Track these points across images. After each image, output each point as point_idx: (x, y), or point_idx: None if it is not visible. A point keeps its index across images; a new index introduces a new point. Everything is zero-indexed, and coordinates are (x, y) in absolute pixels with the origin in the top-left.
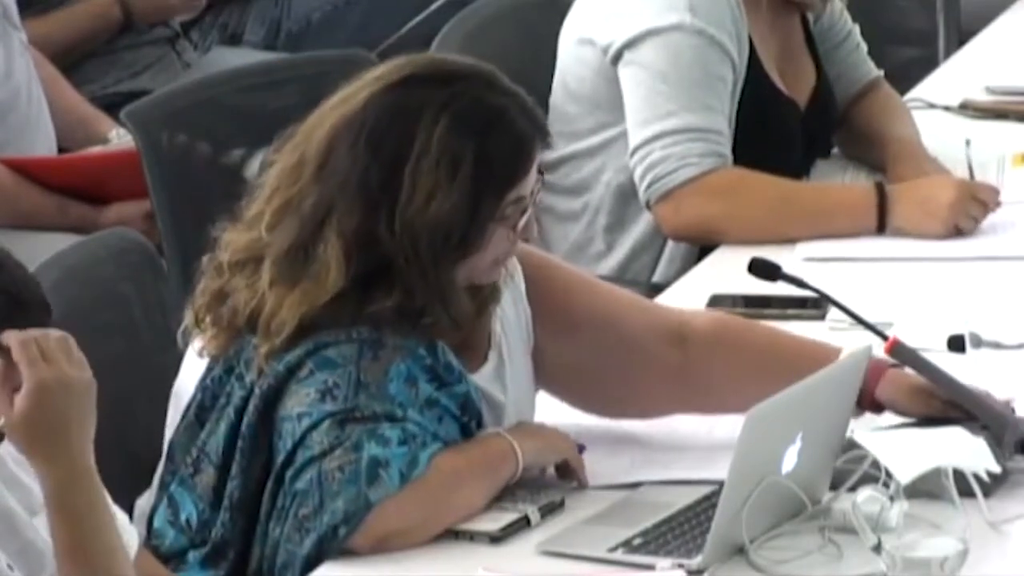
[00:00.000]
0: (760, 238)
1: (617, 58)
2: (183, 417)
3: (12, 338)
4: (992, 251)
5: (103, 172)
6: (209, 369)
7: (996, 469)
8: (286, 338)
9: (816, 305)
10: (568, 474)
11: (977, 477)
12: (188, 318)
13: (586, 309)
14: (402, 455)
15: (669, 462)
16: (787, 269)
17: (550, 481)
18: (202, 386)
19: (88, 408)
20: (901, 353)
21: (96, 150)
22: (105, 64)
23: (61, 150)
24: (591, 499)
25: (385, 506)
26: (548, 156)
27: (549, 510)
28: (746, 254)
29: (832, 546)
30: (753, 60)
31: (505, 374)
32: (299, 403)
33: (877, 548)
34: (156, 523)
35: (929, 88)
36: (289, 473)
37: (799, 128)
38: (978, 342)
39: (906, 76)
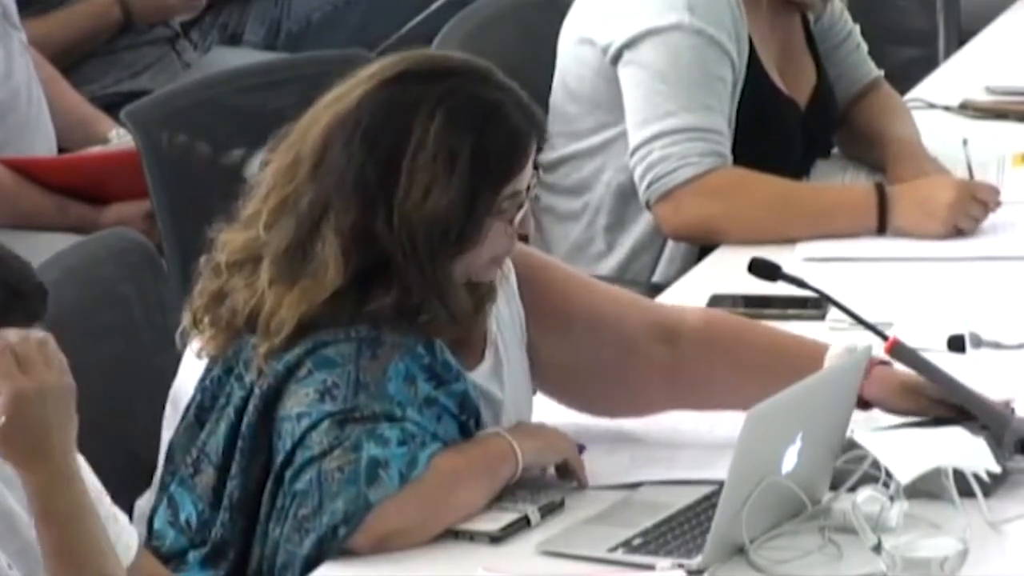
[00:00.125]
0: (760, 238)
1: (617, 58)
2: (183, 418)
3: None
4: (992, 251)
5: (103, 172)
6: (208, 370)
7: (996, 469)
8: (285, 337)
9: (816, 305)
10: (568, 474)
11: (977, 477)
12: (186, 319)
13: (578, 307)
14: (401, 455)
15: (669, 462)
16: (787, 269)
17: (550, 481)
18: (201, 387)
19: (68, 412)
20: (901, 353)
21: (96, 150)
22: (105, 64)
23: (61, 150)
24: (591, 499)
25: (385, 506)
26: (548, 156)
27: (549, 510)
28: (746, 254)
29: (832, 546)
30: (753, 60)
31: (502, 371)
32: (298, 403)
33: (877, 548)
34: (156, 524)
35: (929, 88)
36: (288, 473)
37: (799, 128)
38: (978, 342)
39: (906, 76)
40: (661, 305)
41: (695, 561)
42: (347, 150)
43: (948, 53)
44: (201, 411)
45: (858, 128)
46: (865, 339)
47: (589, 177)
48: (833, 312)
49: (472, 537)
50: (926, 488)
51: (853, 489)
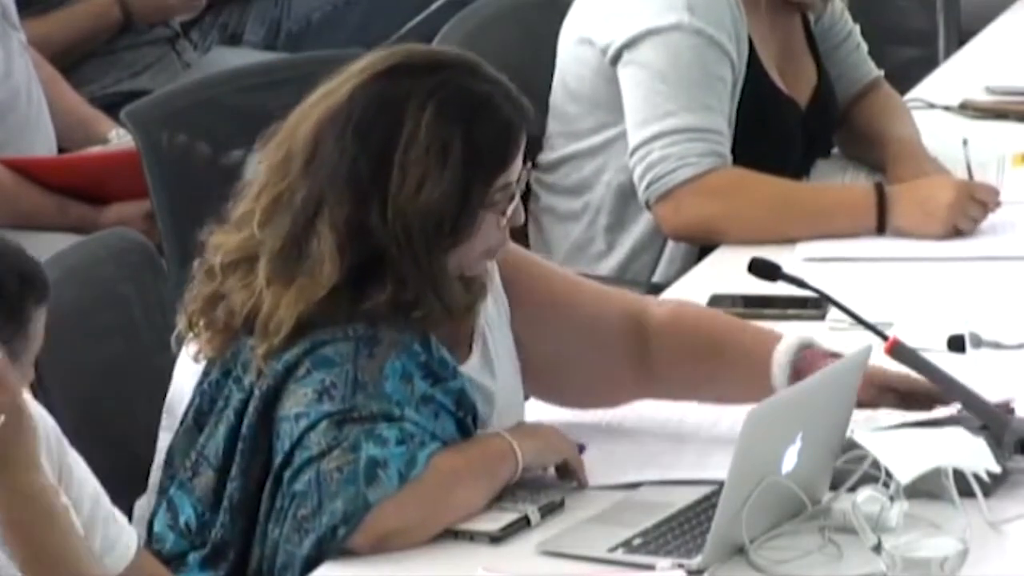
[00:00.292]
0: (760, 238)
1: (616, 58)
2: (181, 422)
3: None
4: (992, 251)
5: (103, 172)
6: (205, 374)
7: (996, 469)
8: (284, 337)
9: (816, 305)
10: (568, 474)
11: (977, 477)
12: (181, 323)
13: (556, 300)
14: (400, 455)
15: (669, 462)
16: (787, 269)
17: (550, 481)
18: (199, 390)
19: (19, 428)
20: (901, 353)
21: (96, 150)
22: (105, 64)
23: (61, 150)
24: (591, 499)
25: (384, 506)
26: (548, 156)
27: (549, 510)
28: (746, 254)
29: (832, 546)
30: (753, 59)
31: (492, 361)
32: (297, 403)
33: (877, 548)
34: (156, 527)
35: (929, 88)
36: (287, 474)
37: (799, 127)
38: (978, 342)
39: (906, 76)
40: (634, 297)
41: (695, 561)
42: (339, 145)
43: (948, 53)
44: (199, 415)
45: (858, 128)
46: (865, 339)
47: (589, 177)
48: (833, 312)
49: (472, 537)
50: (926, 488)
51: (853, 489)
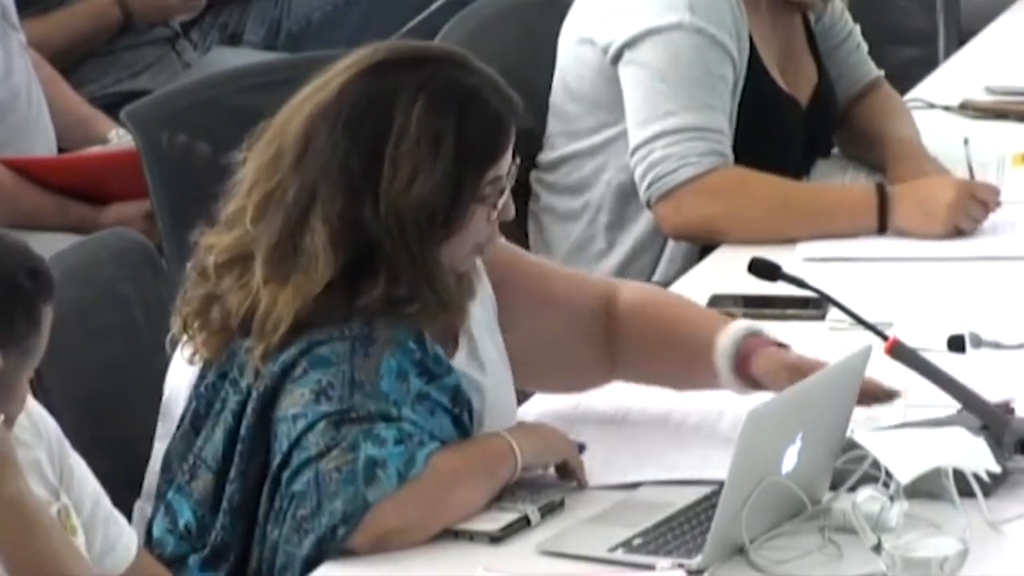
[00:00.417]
0: (760, 238)
1: (617, 58)
2: (178, 426)
3: None
4: (992, 251)
5: (103, 172)
6: (202, 377)
7: (996, 469)
8: (280, 337)
9: (816, 305)
10: (568, 474)
11: (977, 477)
12: (175, 326)
13: (532, 286)
14: (399, 455)
15: (669, 462)
16: (787, 269)
17: (550, 481)
18: (196, 394)
19: None
20: (901, 353)
21: (96, 150)
22: (105, 64)
23: (61, 150)
24: (591, 499)
25: (383, 505)
26: (548, 155)
27: (549, 510)
28: (746, 254)
29: (832, 546)
30: (754, 59)
31: (479, 354)
32: (294, 403)
33: (877, 548)
34: (156, 532)
35: (929, 88)
36: (286, 475)
37: (800, 127)
38: (978, 342)
39: (906, 76)
40: (605, 282)
41: (695, 561)
42: (330, 140)
43: (948, 53)
44: (197, 418)
45: (858, 128)
46: (865, 339)
47: (590, 176)
48: (833, 312)
49: (472, 537)
50: (926, 488)
51: (853, 489)
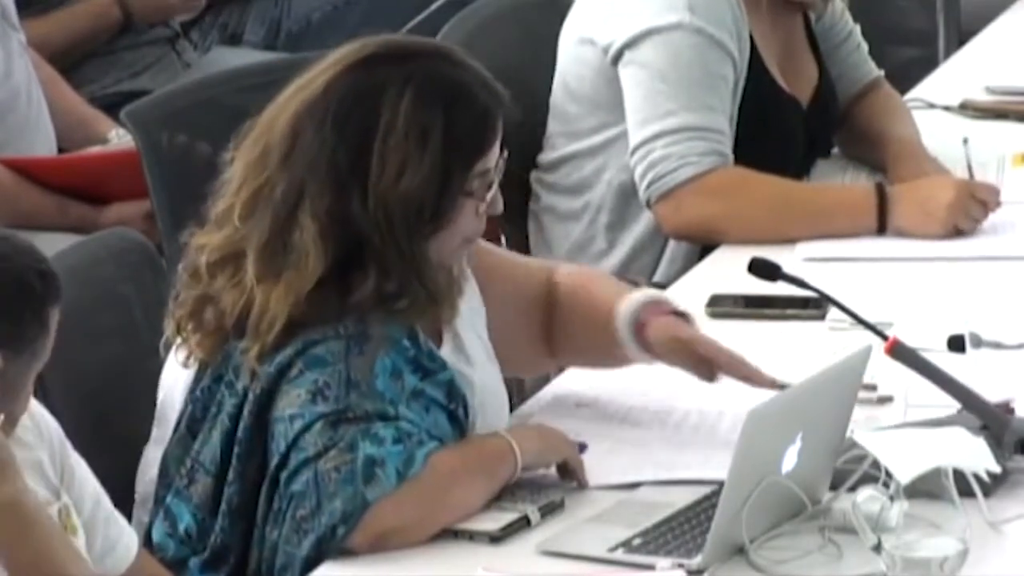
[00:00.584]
0: (760, 238)
1: (617, 58)
2: (175, 430)
3: None
4: (992, 251)
5: (103, 172)
6: (197, 380)
7: (996, 469)
8: (276, 336)
9: (816, 305)
10: (568, 474)
11: (977, 477)
12: (168, 328)
13: (491, 273)
14: (398, 453)
15: (669, 462)
16: (787, 269)
17: (550, 481)
18: (192, 398)
19: None
20: (901, 353)
21: (96, 150)
22: (105, 64)
23: (61, 150)
24: (591, 499)
25: (382, 504)
26: (548, 156)
27: (549, 510)
28: (746, 254)
29: (832, 546)
30: (754, 58)
31: (464, 347)
32: (291, 404)
33: (877, 548)
34: (155, 537)
35: (929, 88)
36: (284, 475)
37: (801, 127)
38: (978, 342)
39: (906, 76)
40: (547, 267)
41: (695, 561)
42: (318, 136)
43: (948, 53)
44: (193, 422)
45: (858, 128)
46: (865, 339)
47: (590, 176)
48: (833, 312)
49: (472, 537)
50: (926, 488)
51: (853, 489)
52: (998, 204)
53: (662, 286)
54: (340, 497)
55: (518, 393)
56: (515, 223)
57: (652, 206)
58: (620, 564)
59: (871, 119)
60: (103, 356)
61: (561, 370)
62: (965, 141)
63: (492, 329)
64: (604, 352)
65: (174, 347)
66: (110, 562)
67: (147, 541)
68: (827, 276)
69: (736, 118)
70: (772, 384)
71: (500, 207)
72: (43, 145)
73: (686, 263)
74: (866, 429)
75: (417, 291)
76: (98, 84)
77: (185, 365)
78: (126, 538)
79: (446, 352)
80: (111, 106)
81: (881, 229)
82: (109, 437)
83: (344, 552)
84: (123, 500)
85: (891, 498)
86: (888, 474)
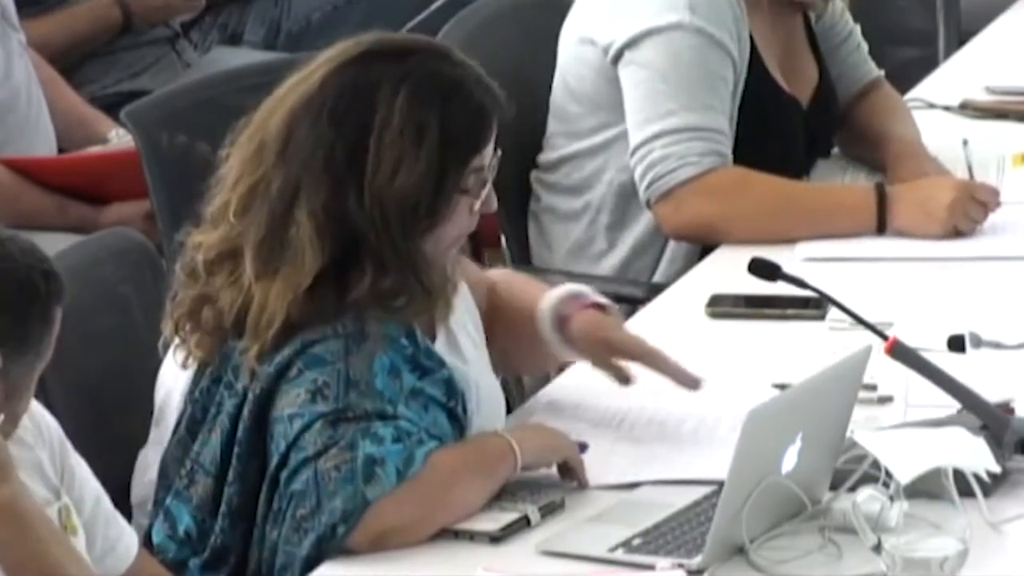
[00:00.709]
0: (760, 238)
1: (617, 58)
2: (174, 432)
3: None
4: (992, 251)
5: (103, 172)
6: (196, 382)
7: (996, 469)
8: (275, 335)
9: (816, 305)
10: (569, 474)
11: (977, 477)
12: (167, 329)
13: None
14: (398, 452)
15: (669, 462)
16: (787, 269)
17: (550, 481)
18: (191, 399)
19: None
20: (901, 353)
21: (96, 150)
22: (105, 65)
23: (61, 150)
24: (591, 499)
25: (382, 503)
26: (549, 156)
27: (549, 510)
28: (746, 254)
29: (832, 546)
30: (754, 58)
31: (458, 342)
32: (290, 404)
33: (877, 548)
34: (156, 539)
35: (929, 88)
36: (284, 475)
37: (801, 126)
38: (978, 342)
39: (906, 76)
40: (486, 276)
41: (695, 561)
42: (314, 132)
43: (948, 53)
44: (193, 423)
45: (858, 128)
46: (865, 339)
47: (590, 176)
48: (833, 312)
49: (472, 537)
50: (926, 488)
51: (853, 489)
52: (998, 204)
53: (662, 286)
54: (340, 496)
55: (518, 393)
56: (515, 223)
57: (652, 206)
58: (620, 564)
59: (871, 119)
60: (103, 356)
61: (561, 370)
62: (965, 143)
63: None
64: (532, 351)
65: (172, 347)
66: (110, 562)
67: (147, 543)
68: (827, 276)
69: (736, 118)
70: (693, 381)
71: (494, 205)
72: (43, 145)
73: (686, 263)
74: (866, 429)
75: (414, 288)
76: (98, 84)
77: (184, 366)
78: (126, 538)
79: (440, 349)
80: (111, 106)
81: (881, 229)
82: (109, 437)
83: (344, 552)
84: (123, 500)
85: (891, 498)
86: (888, 474)
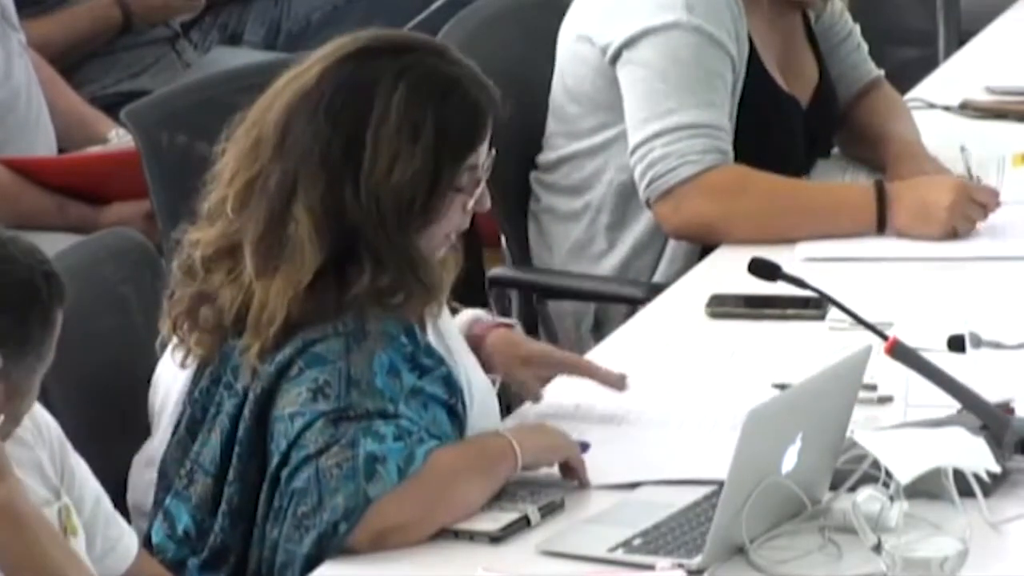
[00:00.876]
0: (760, 237)
1: (616, 58)
2: (173, 433)
3: None
4: (992, 251)
5: (103, 172)
6: (195, 382)
7: (996, 469)
8: (276, 332)
9: (816, 305)
10: (570, 473)
11: (977, 477)
12: (165, 328)
13: None
14: (399, 451)
15: (669, 462)
16: (787, 269)
17: (550, 481)
18: (191, 400)
19: None
20: (901, 353)
21: (96, 150)
22: (105, 65)
23: (61, 150)
24: (591, 499)
25: (383, 502)
26: (548, 156)
27: (549, 510)
28: (746, 254)
29: (832, 546)
30: (753, 58)
31: (448, 341)
32: (291, 403)
33: (877, 548)
34: (155, 539)
35: (929, 88)
36: (285, 473)
37: (801, 126)
38: (978, 342)
39: (906, 76)
40: None
41: (695, 561)
42: (311, 126)
43: (948, 53)
44: (192, 424)
45: (858, 128)
46: (865, 339)
47: (590, 177)
48: (833, 312)
49: (472, 537)
50: (926, 488)
51: (853, 489)
52: (998, 205)
53: (662, 286)
54: (342, 493)
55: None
56: (515, 224)
57: (652, 205)
58: (620, 564)
59: (871, 119)
60: (103, 356)
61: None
62: (963, 149)
63: None
64: None
65: (170, 347)
66: (110, 562)
67: (147, 543)
68: (827, 276)
69: (735, 118)
70: (620, 381)
71: (487, 204)
72: (43, 145)
73: (686, 263)
74: (866, 429)
75: (412, 285)
76: (98, 84)
77: (183, 365)
78: (126, 538)
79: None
80: (111, 106)
81: (881, 227)
82: (109, 437)
83: (344, 551)
84: (122, 500)
85: (891, 498)
86: (888, 474)
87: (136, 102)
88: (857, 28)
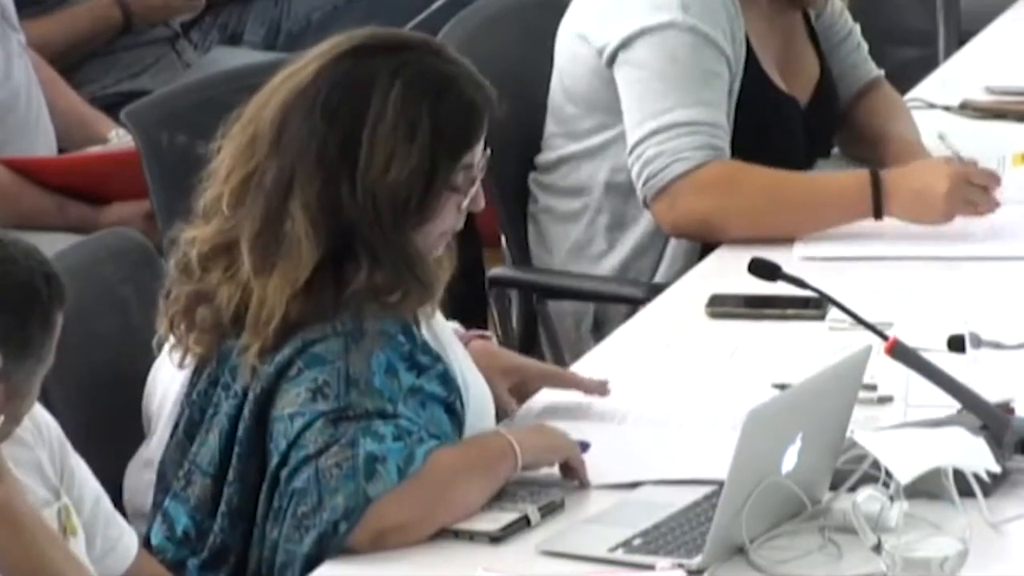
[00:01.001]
0: (757, 231)
1: (612, 60)
2: (171, 435)
3: None
4: (992, 251)
5: (103, 172)
6: (192, 384)
7: (996, 469)
8: (275, 331)
9: (816, 305)
10: (570, 473)
11: (977, 477)
12: (162, 327)
13: None
14: (398, 450)
15: (669, 462)
16: (787, 269)
17: (550, 481)
18: (188, 401)
19: None
20: (901, 353)
21: (96, 150)
22: (105, 65)
23: (61, 150)
24: (591, 499)
25: (383, 502)
26: (547, 156)
27: (549, 510)
28: (746, 254)
29: (832, 546)
30: (751, 59)
31: (443, 341)
32: (290, 403)
33: (877, 548)
34: (154, 540)
35: (929, 88)
36: (284, 473)
37: (800, 126)
38: (978, 342)
39: (906, 76)
40: None
41: (695, 561)
42: (307, 123)
43: (948, 53)
44: (190, 425)
45: (858, 128)
46: (865, 339)
47: (588, 178)
48: (833, 312)
49: (472, 537)
50: (926, 488)
51: (853, 489)
52: (998, 183)
53: (662, 287)
54: (342, 493)
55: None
56: (515, 224)
57: (649, 204)
58: (620, 564)
59: (871, 119)
60: (103, 356)
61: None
62: (942, 137)
63: None
64: None
65: (166, 348)
66: (110, 562)
67: (146, 545)
68: (827, 276)
69: (734, 120)
70: (601, 387)
71: (482, 204)
72: (43, 145)
73: (686, 263)
74: (866, 429)
75: (409, 282)
76: (98, 84)
77: (181, 365)
78: (126, 538)
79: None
80: (111, 106)
81: (877, 215)
82: (109, 437)
83: (344, 551)
84: (123, 501)
85: (891, 498)
86: (888, 474)
87: (136, 102)
88: (857, 28)
